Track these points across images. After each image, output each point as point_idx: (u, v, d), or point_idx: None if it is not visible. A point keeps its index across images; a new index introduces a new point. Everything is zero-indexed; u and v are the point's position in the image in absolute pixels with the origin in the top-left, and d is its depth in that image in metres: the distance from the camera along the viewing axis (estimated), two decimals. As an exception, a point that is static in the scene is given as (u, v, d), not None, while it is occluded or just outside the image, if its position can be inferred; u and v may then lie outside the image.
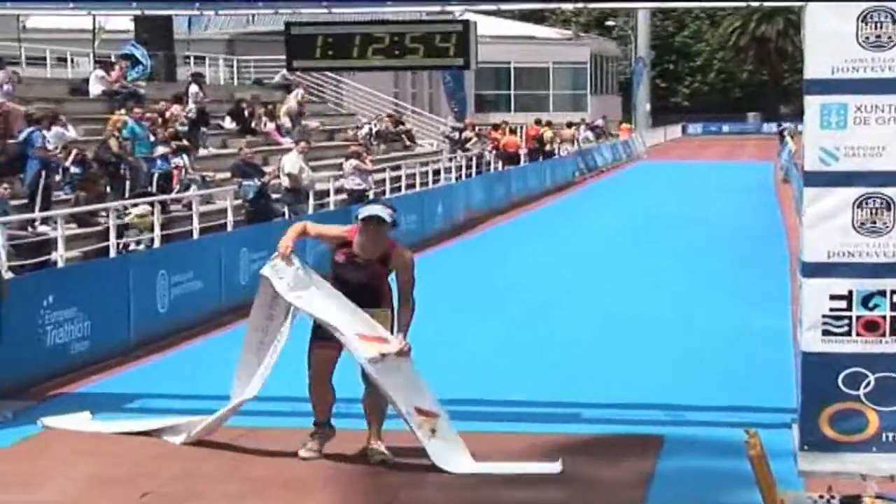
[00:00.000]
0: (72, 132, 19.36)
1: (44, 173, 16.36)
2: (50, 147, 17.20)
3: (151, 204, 16.22)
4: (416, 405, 8.13)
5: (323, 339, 8.18)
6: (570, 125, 47.33)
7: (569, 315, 14.52)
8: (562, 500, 7.90)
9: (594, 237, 23.68)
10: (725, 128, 73.37)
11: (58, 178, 17.34)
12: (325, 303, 8.17)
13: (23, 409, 10.02)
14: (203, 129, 23.99)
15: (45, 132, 17.26)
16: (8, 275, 11.53)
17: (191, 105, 23.89)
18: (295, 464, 8.34)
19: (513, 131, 40.32)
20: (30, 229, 14.98)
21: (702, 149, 60.47)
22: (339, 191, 22.59)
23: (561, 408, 9.99)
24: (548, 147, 41.29)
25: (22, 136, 17.00)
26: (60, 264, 13.31)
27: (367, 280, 8.20)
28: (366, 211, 8.23)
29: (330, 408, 8.43)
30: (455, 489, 7.91)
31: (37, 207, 15.75)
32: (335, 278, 8.30)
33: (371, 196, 22.16)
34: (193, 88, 25.25)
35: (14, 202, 15.68)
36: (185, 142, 21.16)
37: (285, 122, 28.10)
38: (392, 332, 8.20)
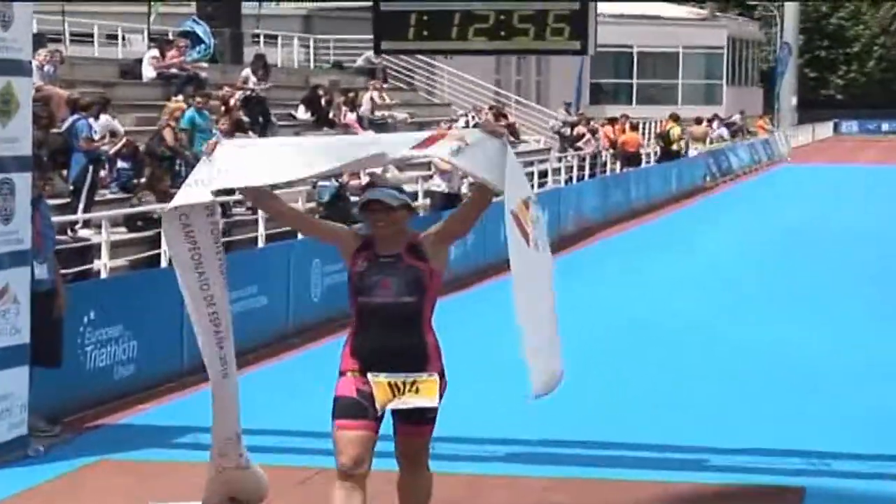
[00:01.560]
0: (119, 123, 19.68)
1: (91, 168, 16.63)
2: (96, 138, 17.49)
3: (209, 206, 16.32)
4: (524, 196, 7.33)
5: (349, 414, 7.16)
6: (699, 121, 47.32)
7: (699, 347, 14.89)
8: None
9: (729, 254, 24.25)
10: (885, 126, 73.00)
11: (103, 173, 17.63)
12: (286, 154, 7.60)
13: (56, 443, 10.11)
14: (271, 119, 24.51)
15: (91, 121, 17.56)
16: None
17: (241, 93, 24.35)
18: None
19: (633, 127, 40.18)
20: (69, 233, 15.19)
21: (857, 151, 60.52)
22: (428, 193, 23.01)
23: (691, 453, 10.29)
24: (674, 146, 41.29)
25: (65, 126, 17.30)
26: (104, 275, 13.45)
27: (407, 280, 7.18)
28: (365, 196, 7.59)
29: None
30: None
31: (80, 208, 15.99)
32: (359, 307, 7.27)
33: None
34: (245, 73, 25.91)
35: (54, 201, 15.91)
36: (250, 134, 21.48)
37: (372, 109, 29.11)
38: (440, 399, 7.31)
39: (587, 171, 33.13)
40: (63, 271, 13.44)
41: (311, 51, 36.80)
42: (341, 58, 36.33)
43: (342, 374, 7.28)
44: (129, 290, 12.64)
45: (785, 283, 19.86)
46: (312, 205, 19.37)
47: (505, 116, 36.27)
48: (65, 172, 16.86)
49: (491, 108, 36.35)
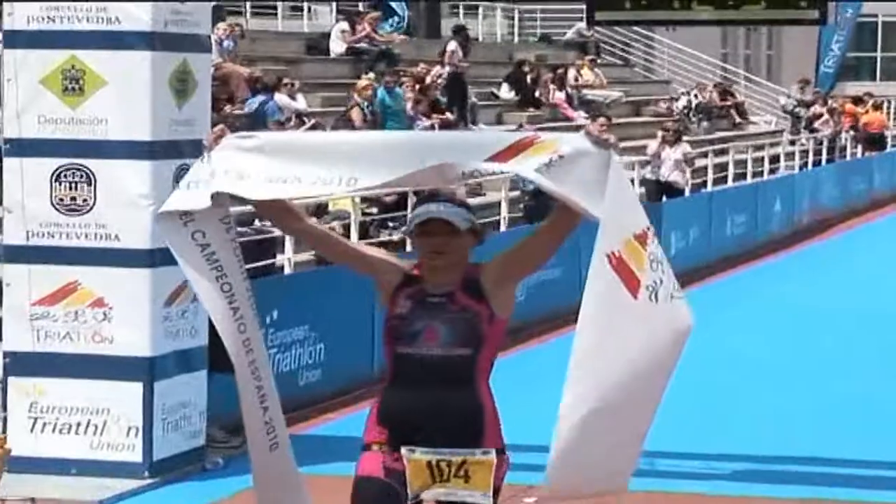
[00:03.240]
0: (301, 101, 20.23)
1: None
2: (282, 119, 17.96)
3: (403, 196, 16.63)
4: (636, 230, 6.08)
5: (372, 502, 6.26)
6: None
7: None
8: None
9: None
10: None
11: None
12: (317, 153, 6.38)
13: (235, 455, 10.41)
14: (471, 98, 25.11)
15: (278, 101, 17.99)
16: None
17: (444, 68, 24.92)
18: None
19: (877, 107, 40.43)
20: (250, 226, 15.66)
21: None
22: (643, 182, 23.31)
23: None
24: None
25: (251, 107, 17.77)
26: (288, 270, 13.85)
27: (459, 326, 6.22)
28: (421, 213, 6.33)
29: None
30: None
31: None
32: (395, 360, 6.29)
33: (686, 193, 23.25)
34: (451, 46, 26.46)
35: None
36: (448, 115, 22.04)
37: (576, 89, 29.89)
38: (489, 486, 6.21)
39: (824, 156, 33.73)
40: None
41: (516, 23, 37.59)
42: (549, 30, 37.03)
43: (366, 447, 6.22)
44: (316, 287, 12.90)
45: None
46: (516, 193, 19.78)
47: (732, 94, 37.36)
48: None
49: (716, 85, 37.18)
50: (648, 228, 5.90)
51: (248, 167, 6.27)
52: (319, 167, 6.22)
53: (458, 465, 6.01)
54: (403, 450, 5.98)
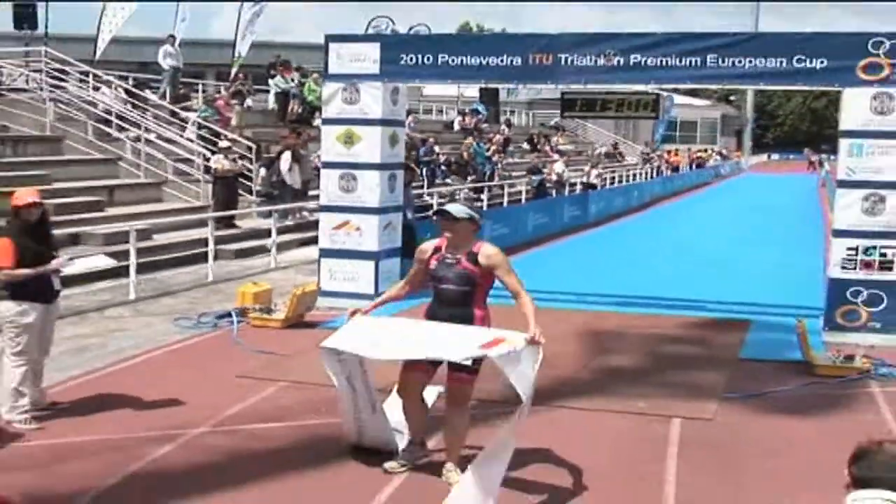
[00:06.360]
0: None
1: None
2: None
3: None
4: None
5: (411, 361, 9.42)
6: (704, 151, 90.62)
7: (707, 250, 28.90)
8: (686, 349, 15.38)
9: (724, 211, 46.60)
10: (792, 156, 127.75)
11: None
12: (405, 339, 9.14)
13: None
14: (510, 148, 48.94)
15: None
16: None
17: (499, 136, 46.77)
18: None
19: (676, 153, 78.53)
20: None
21: (779, 167, 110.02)
22: (583, 184, 44.99)
23: (692, 301, 19.38)
24: (704, 163, 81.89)
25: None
26: None
27: (460, 276, 9.20)
28: (441, 208, 9.48)
29: (423, 427, 9.86)
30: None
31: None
32: (433, 290, 9.41)
33: (598, 189, 44.62)
34: (504, 128, 51.22)
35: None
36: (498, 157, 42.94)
37: (556, 145, 57.60)
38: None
39: (654, 174, 62.75)
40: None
41: (532, 117, 71.93)
42: (543, 119, 69.86)
43: None
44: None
45: (745, 223, 38.46)
46: (529, 187, 35.54)
47: (617, 148, 68.69)
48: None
49: (613, 144, 69.55)
50: (526, 395, 8.42)
51: (370, 337, 9.23)
52: (405, 343, 9.06)
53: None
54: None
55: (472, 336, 8.81)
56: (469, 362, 8.78)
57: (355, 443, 10.03)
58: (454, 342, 8.76)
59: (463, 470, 8.93)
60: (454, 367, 9.02)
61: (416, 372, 9.38)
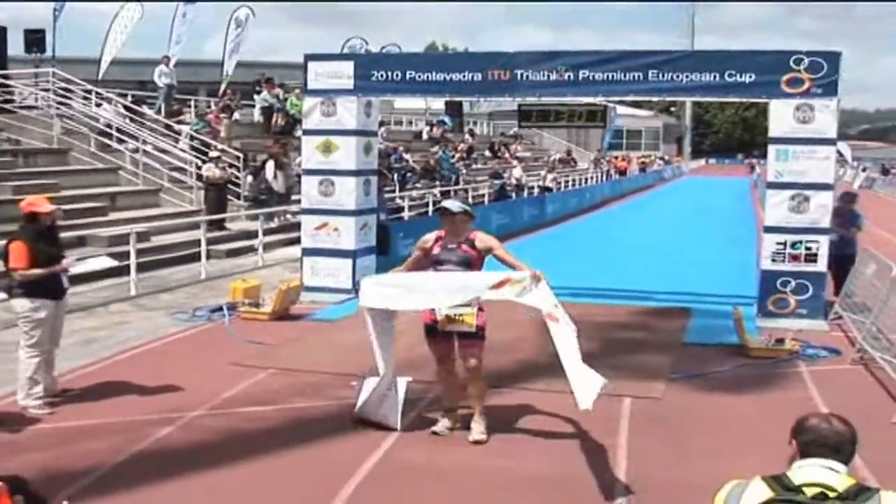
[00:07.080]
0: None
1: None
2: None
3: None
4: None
5: (433, 334, 10.00)
6: (648, 156, 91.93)
7: (653, 245, 29.27)
8: (635, 335, 15.53)
9: (667, 210, 46.39)
10: (727, 161, 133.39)
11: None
12: (424, 292, 9.69)
13: None
14: (474, 156, 49.55)
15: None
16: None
17: (464, 144, 48.56)
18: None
19: (624, 159, 77.96)
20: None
21: (716, 170, 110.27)
22: (539, 187, 41.50)
23: (640, 292, 19.60)
24: (647, 169, 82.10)
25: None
26: None
27: (460, 258, 9.82)
28: (439, 205, 10.31)
29: (457, 395, 10.35)
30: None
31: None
32: (435, 270, 9.93)
33: (554, 191, 44.27)
34: (468, 137, 52.88)
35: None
36: (463, 163, 41.12)
37: (515, 152, 58.55)
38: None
39: (604, 179, 61.22)
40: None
41: (492, 127, 74.24)
42: (503, 129, 69.10)
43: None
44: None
45: (685, 222, 38.64)
46: (492, 191, 34.83)
47: (570, 154, 66.42)
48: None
49: (567, 151, 69.33)
50: (556, 304, 9.33)
51: (391, 292, 9.85)
52: (422, 294, 9.68)
53: (459, 315, 9.77)
54: (436, 312, 9.89)
55: (481, 280, 9.51)
56: (472, 328, 9.67)
57: (365, 416, 10.33)
58: (468, 286, 9.48)
59: (486, 422, 9.93)
60: (464, 336, 9.76)
61: (441, 344, 9.94)
